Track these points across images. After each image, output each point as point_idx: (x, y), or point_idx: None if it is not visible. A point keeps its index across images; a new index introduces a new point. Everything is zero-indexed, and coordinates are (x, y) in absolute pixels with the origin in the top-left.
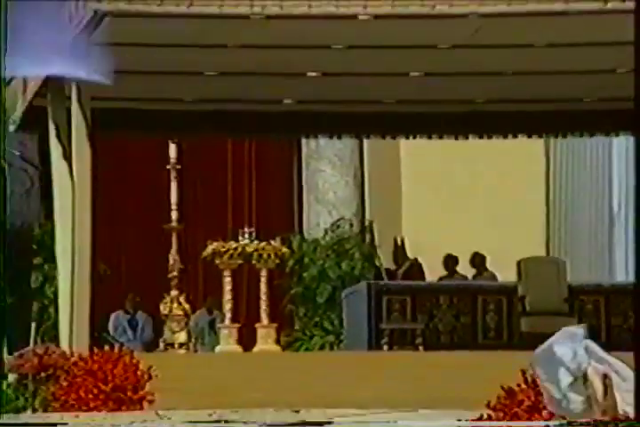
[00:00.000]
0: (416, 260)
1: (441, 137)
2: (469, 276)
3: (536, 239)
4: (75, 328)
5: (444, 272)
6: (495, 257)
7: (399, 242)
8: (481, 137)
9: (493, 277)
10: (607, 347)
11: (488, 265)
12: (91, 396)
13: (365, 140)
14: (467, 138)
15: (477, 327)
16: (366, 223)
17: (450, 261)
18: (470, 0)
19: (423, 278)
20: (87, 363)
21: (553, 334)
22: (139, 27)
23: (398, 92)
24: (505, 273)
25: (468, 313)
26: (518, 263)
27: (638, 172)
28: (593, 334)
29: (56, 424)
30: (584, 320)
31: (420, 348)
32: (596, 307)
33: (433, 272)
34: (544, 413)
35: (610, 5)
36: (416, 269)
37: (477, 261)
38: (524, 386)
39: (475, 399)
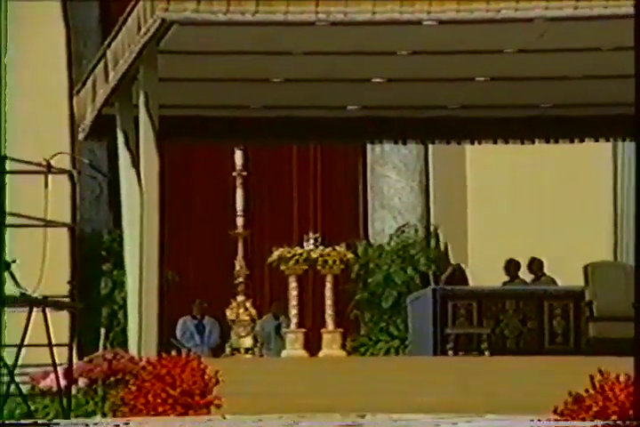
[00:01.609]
0: (459, 265)
1: (507, 142)
2: (529, 281)
3: (604, 244)
4: (143, 333)
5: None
6: (562, 262)
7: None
8: (547, 141)
9: (552, 281)
10: None
11: (552, 270)
12: (159, 400)
13: (430, 146)
14: (533, 142)
15: (544, 332)
16: (431, 229)
17: (511, 266)
18: (537, 2)
19: (466, 284)
20: (155, 368)
21: (621, 339)
22: (206, 34)
23: (463, 97)
24: (572, 278)
25: (534, 318)
26: (585, 268)
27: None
28: None
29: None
30: None
31: (486, 353)
32: None
33: (501, 277)
34: (612, 418)
35: None
36: (459, 275)
37: (535, 266)
38: (592, 392)
39: (542, 405)
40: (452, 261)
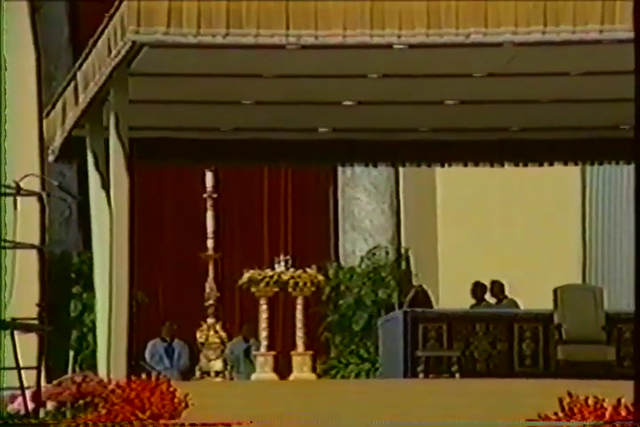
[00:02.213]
0: (421, 287)
1: (476, 165)
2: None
3: (572, 267)
4: (112, 356)
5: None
6: (531, 285)
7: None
8: (517, 165)
9: (514, 304)
10: None
11: (522, 292)
12: (128, 424)
13: (401, 168)
14: (502, 165)
15: (514, 355)
16: (402, 251)
17: (478, 289)
18: (505, 27)
19: (430, 305)
20: (125, 391)
21: (590, 362)
22: (177, 57)
23: (433, 121)
24: (541, 301)
25: (504, 341)
26: (555, 291)
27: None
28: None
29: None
30: (622, 349)
31: (457, 375)
32: (635, 335)
33: (472, 299)
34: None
35: None
36: (422, 297)
37: (496, 288)
38: (560, 414)
39: None
40: (422, 284)
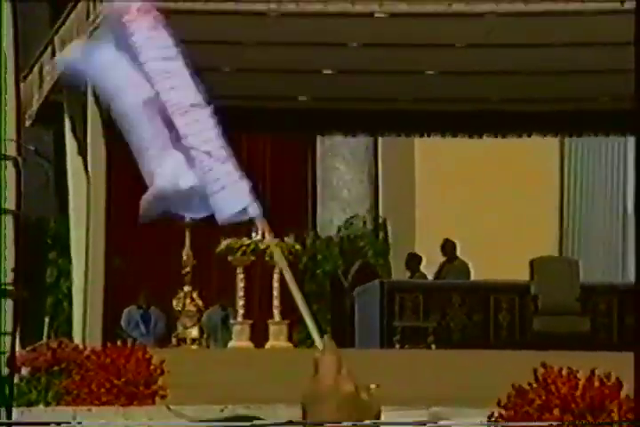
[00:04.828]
0: (367, 261)
1: (455, 135)
2: (439, 262)
3: (549, 239)
4: (88, 323)
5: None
6: (508, 256)
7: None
8: (495, 136)
9: (464, 265)
10: (620, 346)
11: (500, 263)
12: (103, 390)
13: (380, 138)
14: (481, 137)
15: (489, 326)
16: (380, 221)
17: (412, 262)
18: None
19: (374, 278)
20: (100, 357)
21: (565, 333)
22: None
23: (414, 91)
24: (518, 272)
25: (480, 312)
26: (531, 263)
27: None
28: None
29: (60, 424)
30: (597, 320)
31: (433, 346)
32: (609, 306)
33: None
34: (555, 411)
35: (627, 5)
36: (368, 270)
37: (448, 247)
38: (535, 385)
39: (486, 398)
40: (401, 253)
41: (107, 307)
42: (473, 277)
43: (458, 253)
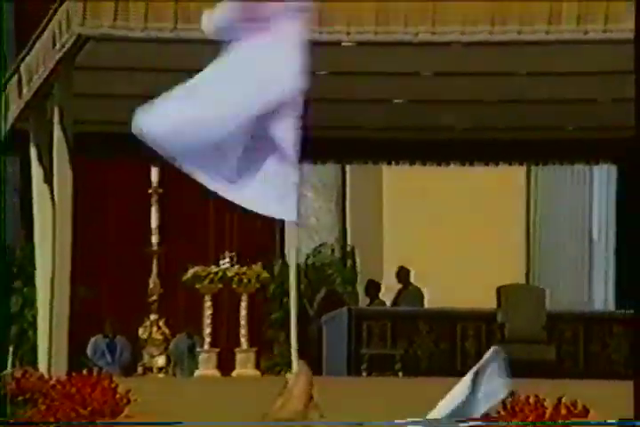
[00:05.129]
0: (333, 288)
1: (424, 164)
2: (396, 289)
3: (516, 267)
4: (53, 352)
5: (430, 297)
6: (475, 284)
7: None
8: (463, 164)
9: (418, 290)
10: (586, 375)
11: (466, 291)
12: (68, 419)
13: (348, 166)
14: (448, 165)
15: (457, 354)
16: (348, 249)
17: (371, 289)
18: (453, 27)
19: (341, 305)
20: (65, 386)
21: (532, 361)
22: (123, 50)
23: (381, 119)
24: (485, 300)
25: (447, 339)
26: (498, 290)
27: (619, 199)
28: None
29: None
30: (563, 347)
31: (400, 374)
32: (575, 334)
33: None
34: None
35: (591, 35)
36: (334, 297)
37: (403, 274)
38: (503, 413)
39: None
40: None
41: (72, 336)
42: (441, 304)
43: (425, 281)
